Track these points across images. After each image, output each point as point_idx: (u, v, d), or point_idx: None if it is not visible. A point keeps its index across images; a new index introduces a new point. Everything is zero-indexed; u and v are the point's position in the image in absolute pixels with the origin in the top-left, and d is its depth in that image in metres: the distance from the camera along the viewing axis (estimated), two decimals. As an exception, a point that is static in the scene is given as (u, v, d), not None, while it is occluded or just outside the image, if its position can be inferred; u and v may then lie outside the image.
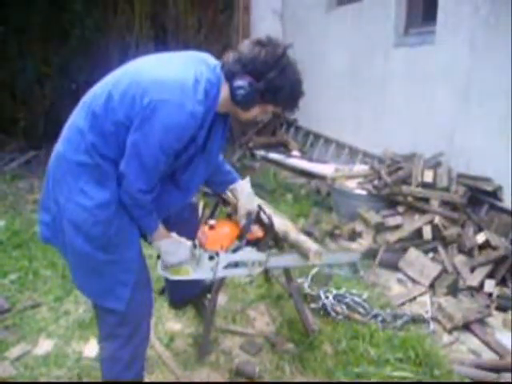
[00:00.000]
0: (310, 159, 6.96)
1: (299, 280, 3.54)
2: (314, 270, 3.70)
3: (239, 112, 2.09)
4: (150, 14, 8.50)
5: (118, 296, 2.05)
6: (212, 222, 2.48)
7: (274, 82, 1.96)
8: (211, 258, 2.40)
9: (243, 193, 2.47)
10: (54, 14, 8.09)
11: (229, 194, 2.55)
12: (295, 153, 7.35)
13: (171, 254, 2.24)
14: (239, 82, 1.97)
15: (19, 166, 7.14)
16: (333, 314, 3.24)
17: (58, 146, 2.05)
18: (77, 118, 2.01)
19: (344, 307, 3.31)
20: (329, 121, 7.24)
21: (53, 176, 2.04)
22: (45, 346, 2.96)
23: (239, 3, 8.46)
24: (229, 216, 2.59)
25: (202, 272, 2.42)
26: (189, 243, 2.31)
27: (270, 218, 2.54)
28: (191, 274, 2.38)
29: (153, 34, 8.41)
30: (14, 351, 2.89)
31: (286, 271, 2.98)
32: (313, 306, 3.32)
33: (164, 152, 1.90)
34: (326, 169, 5.79)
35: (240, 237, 2.43)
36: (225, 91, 2.02)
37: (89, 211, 1.94)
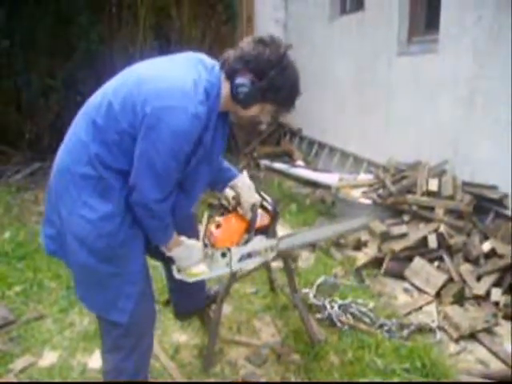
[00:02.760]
0: (315, 169, 6.96)
1: (304, 290, 3.53)
2: (320, 280, 3.69)
3: (239, 110, 2.09)
4: (153, 25, 8.54)
5: (122, 308, 2.04)
6: (218, 219, 2.47)
7: (275, 80, 1.97)
8: (224, 254, 2.39)
9: (244, 187, 2.45)
10: (59, 28, 8.15)
11: (228, 192, 2.53)
12: (299, 162, 7.36)
13: (185, 258, 2.24)
14: (241, 80, 1.97)
15: (24, 178, 7.16)
16: (338, 324, 3.22)
17: (59, 159, 2.04)
18: (77, 130, 2.00)
19: (350, 317, 3.29)
20: (333, 130, 7.25)
21: (55, 189, 2.03)
22: (49, 357, 2.96)
23: (243, 14, 8.52)
24: (233, 209, 2.54)
25: (217, 269, 2.42)
26: (200, 244, 2.31)
27: (272, 204, 2.54)
28: (207, 273, 2.37)
29: (157, 45, 8.45)
30: (19, 363, 2.89)
31: (291, 282, 2.97)
32: (318, 316, 3.30)
33: (175, 157, 1.89)
34: (331, 178, 5.79)
35: (248, 230, 2.44)
36: (225, 89, 2.02)
37: (92, 224, 1.93)
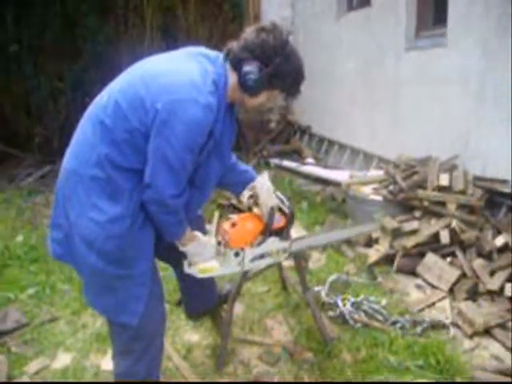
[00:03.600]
0: (325, 166, 6.92)
1: (316, 288, 3.52)
2: (332, 278, 3.68)
3: (246, 100, 2.09)
4: (160, 26, 8.57)
5: (131, 311, 2.04)
6: (233, 217, 2.46)
7: (281, 66, 1.99)
8: (237, 254, 2.39)
9: (263, 189, 2.44)
10: (67, 30, 8.19)
11: (245, 193, 2.52)
12: (309, 160, 7.32)
13: (198, 254, 2.25)
14: (248, 68, 1.98)
15: (35, 181, 7.22)
16: (351, 321, 3.21)
17: (66, 163, 2.04)
18: (84, 131, 2.00)
19: (362, 314, 3.28)
20: (342, 127, 7.22)
21: (62, 192, 2.03)
22: (63, 359, 2.98)
23: (249, 12, 8.50)
24: (249, 209, 2.56)
25: (228, 268, 2.40)
26: (213, 241, 2.31)
27: (290, 207, 2.53)
28: (218, 270, 2.36)
29: (164, 45, 8.46)
30: (33, 366, 2.91)
31: (302, 280, 2.96)
32: (330, 313, 3.29)
33: (191, 151, 1.90)
34: (341, 175, 5.75)
35: (264, 232, 2.43)
36: (232, 79, 2.03)
37: (101, 226, 1.92)
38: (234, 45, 2.04)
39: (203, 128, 1.89)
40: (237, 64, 2.00)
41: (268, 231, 2.43)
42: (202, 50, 2.10)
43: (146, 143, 1.89)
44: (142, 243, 2.03)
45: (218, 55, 2.07)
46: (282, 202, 2.52)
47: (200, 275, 2.33)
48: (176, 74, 1.90)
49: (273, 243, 2.48)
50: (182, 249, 2.19)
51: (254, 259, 2.45)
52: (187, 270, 2.32)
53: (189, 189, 2.04)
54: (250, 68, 1.97)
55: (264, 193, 2.43)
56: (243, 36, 2.03)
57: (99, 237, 1.93)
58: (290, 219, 2.54)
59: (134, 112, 1.88)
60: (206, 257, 2.27)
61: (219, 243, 2.35)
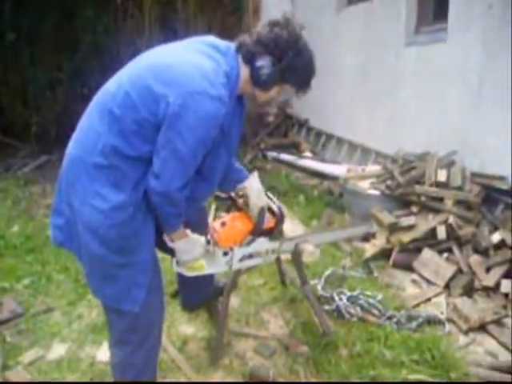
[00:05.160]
0: (322, 160, 6.92)
1: (312, 282, 3.51)
2: (328, 272, 3.68)
3: (257, 94, 2.10)
4: (159, 17, 8.51)
5: (134, 298, 2.03)
6: (223, 216, 2.47)
7: (294, 61, 2.00)
8: (226, 253, 2.39)
9: (253, 190, 2.43)
10: (66, 21, 8.14)
11: (236, 194, 2.52)
12: (307, 154, 7.32)
13: (187, 252, 2.22)
14: (261, 62, 1.99)
15: (32, 171, 7.19)
16: (347, 315, 3.21)
17: (71, 149, 2.02)
18: (91, 120, 1.98)
19: (358, 309, 3.28)
20: (341, 121, 7.20)
21: (66, 179, 2.01)
22: (58, 350, 2.97)
23: (249, 5, 8.45)
24: (239, 209, 2.54)
25: (217, 267, 2.41)
26: (202, 240, 2.29)
27: (280, 207, 2.53)
28: (206, 269, 2.35)
29: (163, 37, 8.42)
30: (28, 356, 2.90)
31: (301, 274, 2.95)
32: (326, 307, 3.28)
33: (204, 144, 1.91)
34: (339, 169, 5.76)
35: (253, 232, 2.43)
36: (244, 73, 2.03)
37: (104, 214, 1.91)
38: (246, 38, 2.03)
39: (215, 121, 1.88)
40: (250, 58, 2.00)
41: (257, 232, 2.43)
42: (213, 40, 2.08)
43: (155, 133, 1.88)
44: (144, 231, 2.02)
45: (228, 47, 2.06)
46: (273, 202, 2.53)
47: (188, 274, 2.33)
48: (187, 65, 1.89)
49: (262, 243, 2.50)
50: (170, 245, 2.17)
51: (242, 259, 2.45)
52: (175, 268, 2.32)
53: (196, 179, 2.03)
54: (263, 63, 1.98)
55: (254, 193, 2.42)
56: (256, 30, 2.03)
57: (102, 225, 1.92)
58: (280, 220, 2.55)
59: (144, 102, 1.86)
60: (194, 255, 2.25)
61: (208, 242, 2.33)
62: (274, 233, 2.55)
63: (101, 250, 1.96)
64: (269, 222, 2.50)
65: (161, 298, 2.23)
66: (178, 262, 2.29)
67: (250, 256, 2.48)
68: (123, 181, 1.93)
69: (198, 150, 1.91)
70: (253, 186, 2.45)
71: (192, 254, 2.23)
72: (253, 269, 3.20)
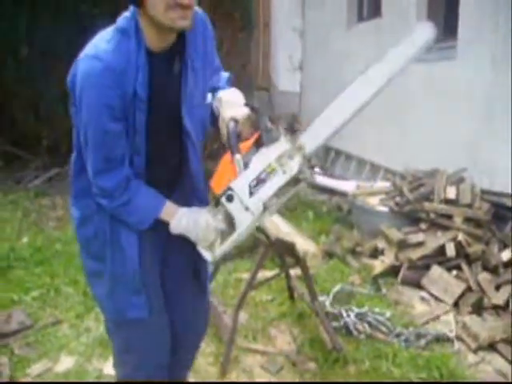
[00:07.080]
0: (331, 176, 6.93)
1: (320, 298, 3.50)
2: (336, 288, 3.67)
3: (149, 4, 1.62)
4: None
5: (136, 304, 1.88)
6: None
7: None
8: (229, 198, 1.79)
9: (222, 102, 1.89)
10: (79, 33, 8.22)
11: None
12: (316, 169, 7.33)
13: (193, 226, 1.80)
14: None
15: (42, 184, 7.23)
16: (355, 332, 3.20)
17: None
18: None
19: (366, 326, 3.26)
20: (350, 137, 7.18)
21: None
22: (66, 363, 2.97)
23: (259, 21, 8.53)
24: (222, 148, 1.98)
25: (241, 219, 1.80)
26: (203, 209, 1.88)
27: (255, 109, 1.93)
28: (233, 234, 1.83)
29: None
30: (36, 368, 2.91)
31: (310, 289, 2.95)
32: (334, 324, 3.27)
33: (106, 116, 1.65)
34: (348, 185, 5.76)
35: (232, 152, 1.81)
36: (143, 19, 1.70)
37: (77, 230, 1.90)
38: None
39: (96, 80, 1.64)
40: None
41: (232, 146, 1.80)
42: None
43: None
44: (120, 241, 1.84)
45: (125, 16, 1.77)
46: (252, 109, 1.92)
47: (219, 251, 1.86)
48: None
49: (262, 155, 1.81)
50: (174, 232, 1.83)
51: (252, 192, 1.78)
52: (208, 257, 1.88)
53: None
54: None
55: (224, 105, 1.87)
56: None
57: (81, 239, 1.90)
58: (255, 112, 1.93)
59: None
60: (202, 225, 1.80)
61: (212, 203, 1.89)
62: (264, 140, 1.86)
63: (87, 262, 1.93)
64: (253, 135, 1.90)
65: (158, 320, 1.98)
66: (205, 250, 1.87)
67: (259, 181, 1.78)
68: (78, 195, 1.89)
69: (104, 127, 1.66)
70: (227, 97, 1.90)
71: (199, 225, 1.80)
72: (262, 283, 3.19)
